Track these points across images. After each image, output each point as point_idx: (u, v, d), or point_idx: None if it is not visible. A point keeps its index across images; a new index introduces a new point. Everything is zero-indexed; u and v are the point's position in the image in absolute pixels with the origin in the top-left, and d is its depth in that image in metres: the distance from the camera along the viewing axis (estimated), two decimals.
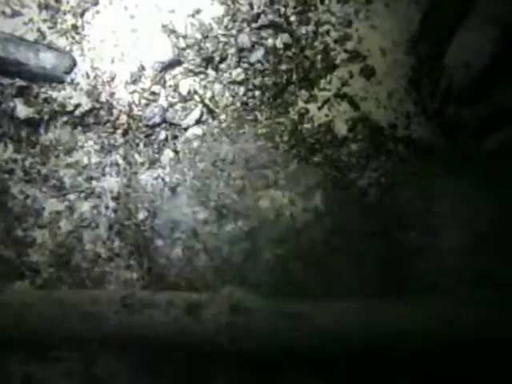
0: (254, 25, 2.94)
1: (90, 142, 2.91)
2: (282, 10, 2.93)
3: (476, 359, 2.54)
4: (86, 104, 2.89)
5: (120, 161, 2.90)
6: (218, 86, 2.95)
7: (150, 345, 2.52)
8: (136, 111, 2.93)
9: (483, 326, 2.49)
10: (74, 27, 2.92)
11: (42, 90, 2.86)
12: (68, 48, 2.91)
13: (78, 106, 2.88)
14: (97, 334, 2.52)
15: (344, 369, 2.58)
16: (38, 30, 2.91)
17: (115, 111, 2.92)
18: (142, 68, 2.93)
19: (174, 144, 2.91)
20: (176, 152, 2.91)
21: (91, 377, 2.62)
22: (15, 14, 2.91)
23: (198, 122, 2.93)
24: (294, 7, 2.94)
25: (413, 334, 2.48)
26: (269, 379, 2.58)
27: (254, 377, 2.58)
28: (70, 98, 2.88)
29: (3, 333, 2.54)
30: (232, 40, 2.93)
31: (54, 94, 2.87)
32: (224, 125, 2.92)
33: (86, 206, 2.86)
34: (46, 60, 2.81)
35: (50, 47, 2.87)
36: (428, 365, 2.56)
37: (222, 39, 2.93)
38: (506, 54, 2.65)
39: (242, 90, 2.95)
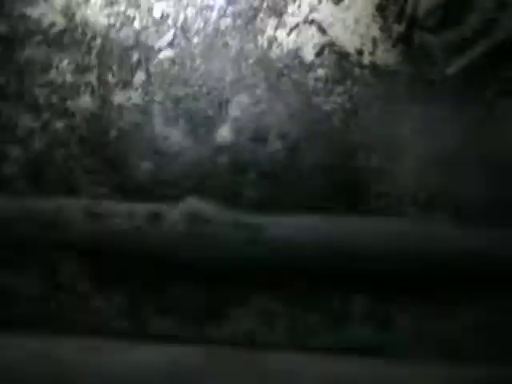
0: None
1: (65, 62, 2.98)
2: None
3: (427, 276, 2.62)
4: (61, 23, 2.96)
5: (94, 81, 2.97)
6: (190, 11, 3.00)
7: (111, 252, 2.60)
8: (110, 34, 2.99)
9: (435, 243, 2.57)
10: None
11: (16, 6, 2.93)
12: None
13: (52, 24, 2.95)
14: (60, 241, 2.61)
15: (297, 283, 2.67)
16: None
17: (90, 32, 2.98)
18: None
19: (147, 66, 2.98)
20: (148, 74, 2.97)
21: (56, 284, 2.72)
22: None
23: (171, 44, 2.99)
24: None
25: (364, 248, 2.56)
26: (223, 290, 2.67)
27: (209, 287, 2.67)
28: (45, 15, 2.94)
29: None
30: None
31: (29, 12, 2.94)
32: (195, 48, 2.97)
33: (59, 125, 2.94)
34: None
35: None
36: (379, 282, 2.65)
37: None
38: None
39: (214, 15, 3.00)
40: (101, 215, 2.61)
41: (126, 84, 2.97)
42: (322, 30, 2.93)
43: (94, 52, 2.98)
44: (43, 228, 2.60)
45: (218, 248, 2.56)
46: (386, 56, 2.89)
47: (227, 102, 2.91)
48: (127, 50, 2.98)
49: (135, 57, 2.99)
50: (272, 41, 2.95)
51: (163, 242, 2.56)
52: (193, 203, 2.61)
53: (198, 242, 2.55)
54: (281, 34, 2.95)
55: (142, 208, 2.63)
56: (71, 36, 2.97)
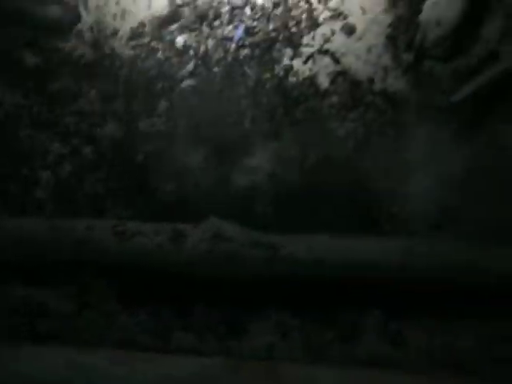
0: None
1: (93, 91, 3.16)
2: None
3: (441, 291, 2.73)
4: (90, 55, 3.15)
5: (120, 109, 3.16)
6: (211, 42, 3.18)
7: (137, 270, 2.75)
8: (136, 64, 3.18)
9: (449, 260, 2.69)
10: None
11: (50, 40, 3.13)
12: (74, 3, 3.18)
13: (82, 56, 3.14)
14: (89, 260, 2.76)
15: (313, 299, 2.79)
16: None
17: (117, 63, 3.17)
18: (142, 24, 3.18)
19: (170, 94, 3.16)
20: (171, 102, 3.15)
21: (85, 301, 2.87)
22: None
23: (192, 74, 3.17)
24: None
25: (381, 264, 2.68)
26: (245, 304, 2.80)
27: (232, 301, 2.80)
28: (75, 49, 3.14)
29: (2, 257, 2.80)
30: None
31: (61, 45, 3.14)
32: (216, 78, 3.15)
33: (87, 150, 3.12)
34: (54, 12, 3.07)
35: (58, 2, 3.14)
36: (391, 298, 2.77)
37: None
38: (474, 13, 2.86)
39: (233, 46, 3.18)
40: (127, 234, 2.75)
41: (151, 111, 3.14)
42: (336, 60, 3.09)
43: (121, 81, 3.16)
44: (73, 248, 2.75)
45: (238, 265, 2.69)
46: (396, 83, 3.05)
47: (245, 128, 3.08)
48: (151, 80, 3.16)
49: (159, 86, 3.16)
50: (288, 70, 3.12)
51: (186, 260, 2.69)
52: (215, 223, 2.75)
53: (219, 259, 2.69)
54: (297, 63, 3.12)
55: (166, 227, 2.77)
56: (99, 67, 3.16)
